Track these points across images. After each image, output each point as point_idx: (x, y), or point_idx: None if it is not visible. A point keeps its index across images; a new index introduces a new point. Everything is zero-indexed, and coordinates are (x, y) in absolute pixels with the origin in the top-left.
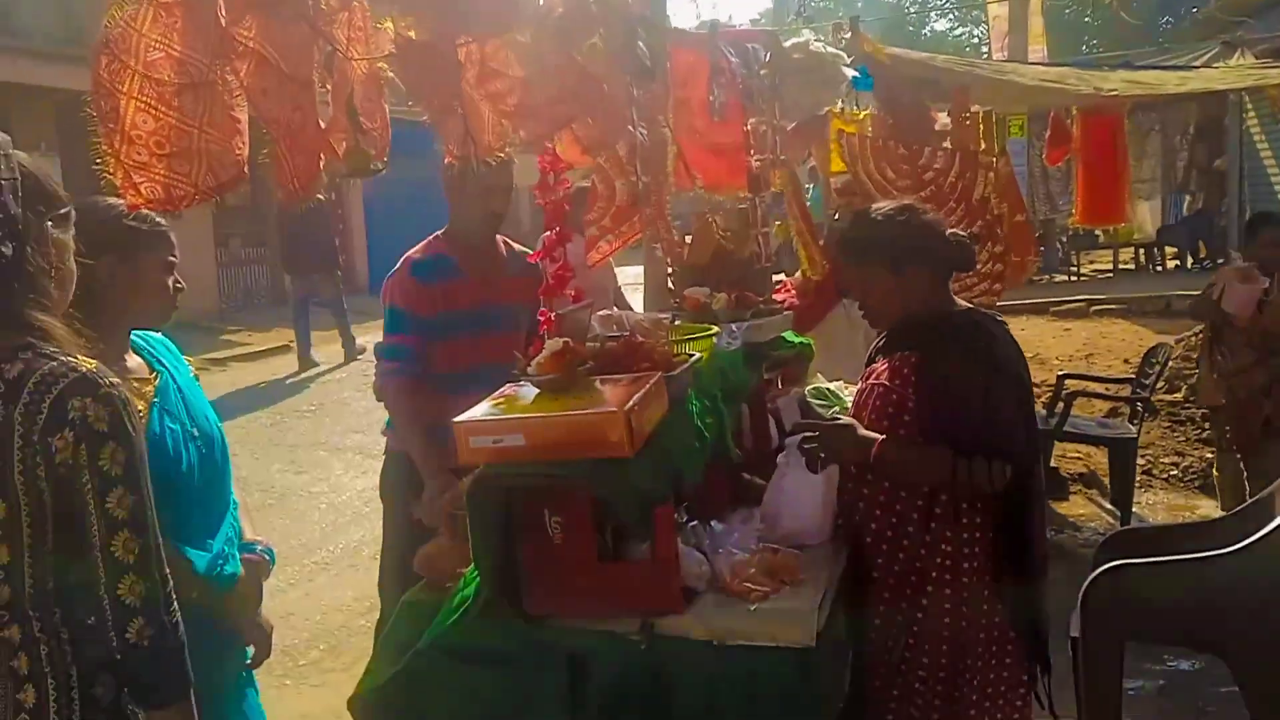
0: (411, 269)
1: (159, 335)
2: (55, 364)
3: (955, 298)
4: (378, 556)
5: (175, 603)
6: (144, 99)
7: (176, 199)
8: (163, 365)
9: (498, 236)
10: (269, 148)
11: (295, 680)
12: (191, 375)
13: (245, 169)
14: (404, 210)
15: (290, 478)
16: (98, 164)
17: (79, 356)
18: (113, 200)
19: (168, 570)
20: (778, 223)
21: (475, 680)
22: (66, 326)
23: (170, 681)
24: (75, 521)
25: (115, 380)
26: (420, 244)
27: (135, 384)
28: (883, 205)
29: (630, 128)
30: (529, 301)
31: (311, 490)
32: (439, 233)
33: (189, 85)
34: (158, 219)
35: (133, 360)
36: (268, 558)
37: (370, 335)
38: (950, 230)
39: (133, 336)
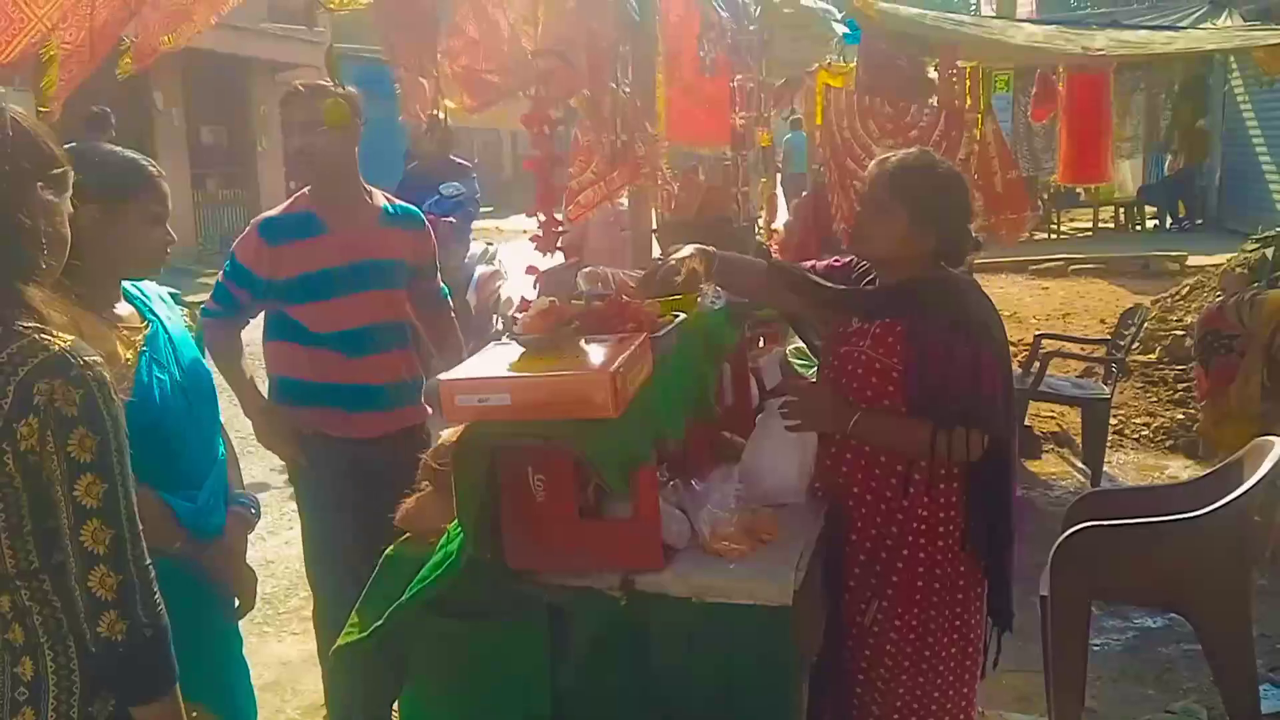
0: (260, 228)
1: (154, 283)
2: (26, 342)
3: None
4: None
5: (156, 594)
6: None
7: None
8: (155, 314)
9: (375, 190)
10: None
11: (276, 628)
12: (184, 325)
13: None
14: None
15: None
16: None
17: (55, 333)
18: (100, 147)
19: (148, 562)
20: (763, 180)
21: (457, 634)
22: (51, 292)
23: (147, 676)
24: (48, 508)
25: (92, 359)
26: (287, 200)
27: (125, 333)
28: (948, 161)
29: (612, 84)
30: (409, 256)
31: None
32: (307, 189)
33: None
34: (149, 168)
35: (124, 309)
36: (253, 511)
37: None
38: (974, 224)
39: (127, 285)
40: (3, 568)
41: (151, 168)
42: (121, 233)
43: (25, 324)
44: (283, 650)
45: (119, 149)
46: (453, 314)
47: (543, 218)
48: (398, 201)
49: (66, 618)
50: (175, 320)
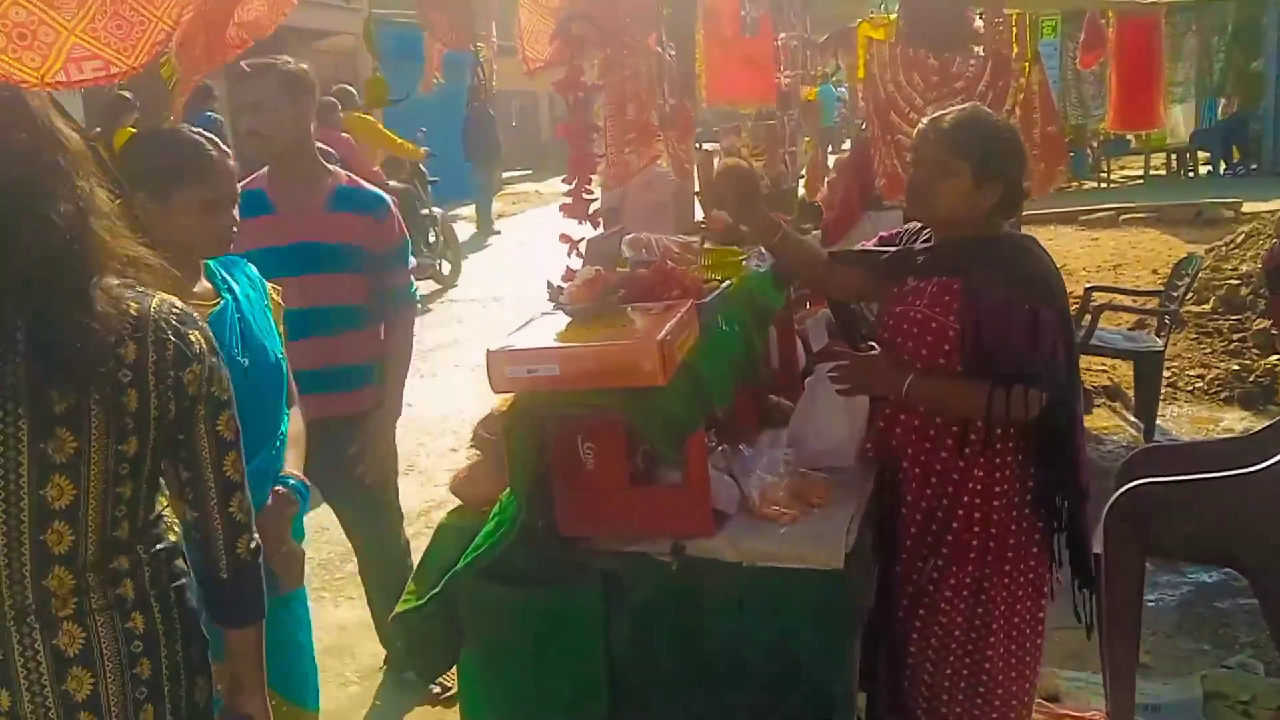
0: None
1: (242, 257)
2: (160, 299)
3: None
4: (408, 472)
5: None
6: None
7: (15, 82)
8: (230, 291)
9: (340, 172)
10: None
11: (333, 593)
12: (265, 303)
13: (113, 76)
14: (420, 119)
15: None
16: None
17: (161, 292)
18: (164, 133)
19: None
20: (806, 139)
21: (511, 600)
22: (155, 259)
23: (257, 596)
24: (189, 447)
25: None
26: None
27: (191, 306)
28: (997, 115)
29: (659, 48)
30: (364, 243)
31: None
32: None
33: None
34: (204, 155)
35: (201, 285)
36: (299, 493)
37: None
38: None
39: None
40: (128, 527)
41: (209, 154)
42: (173, 219)
43: (143, 286)
44: (340, 615)
45: (186, 133)
46: (411, 319)
47: (574, 185)
48: (366, 186)
49: (166, 571)
50: (254, 297)
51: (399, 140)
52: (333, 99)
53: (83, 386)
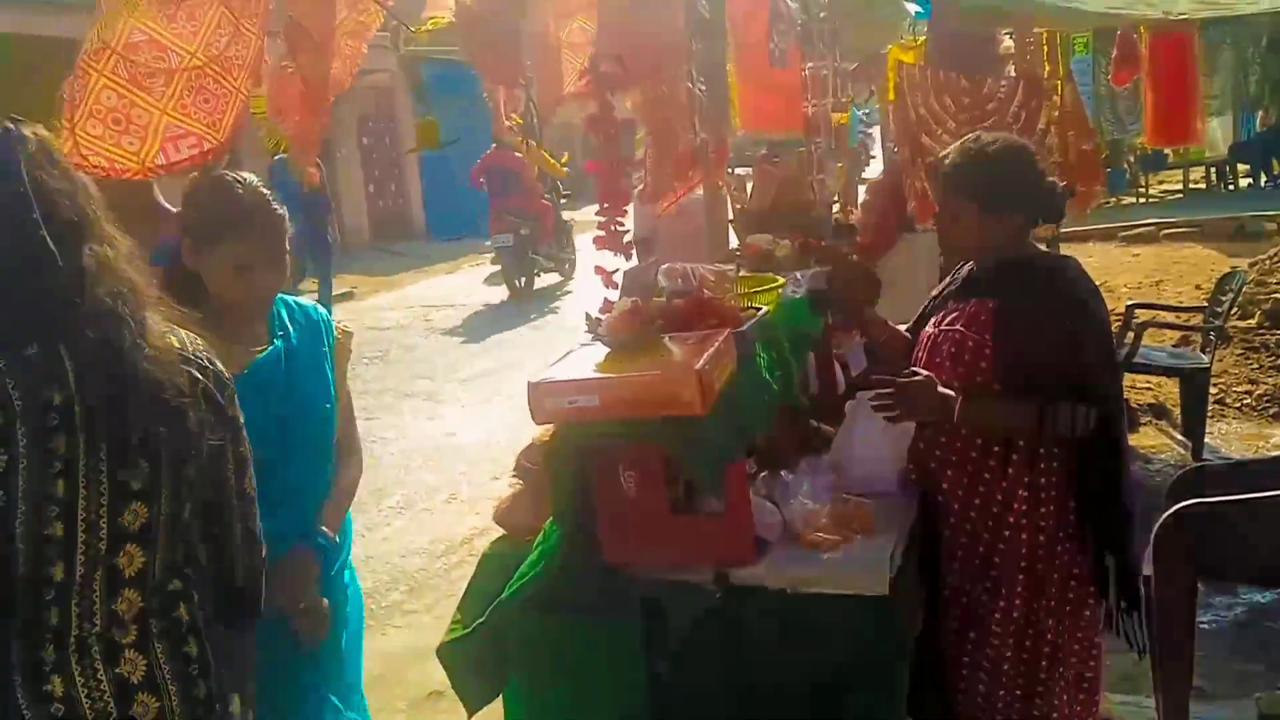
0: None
1: (310, 303)
2: (185, 332)
3: (1032, 241)
4: (451, 500)
5: None
6: (115, 78)
7: (118, 172)
8: (284, 336)
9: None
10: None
11: (379, 621)
12: (325, 348)
13: (211, 153)
14: (458, 160)
15: (360, 424)
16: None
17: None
18: (228, 185)
19: None
20: (839, 165)
21: (555, 629)
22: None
23: (259, 597)
24: (219, 474)
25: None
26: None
27: (236, 350)
28: (994, 138)
29: (689, 84)
30: None
31: (383, 436)
32: None
33: (164, 70)
34: (251, 215)
35: (252, 329)
36: (317, 553)
37: (427, 281)
38: (1052, 179)
39: (282, 300)
40: (180, 552)
41: (255, 212)
42: (209, 270)
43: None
44: (386, 644)
45: (245, 186)
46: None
47: (606, 218)
48: None
49: (204, 587)
50: (311, 344)
51: (550, 159)
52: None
53: (153, 415)
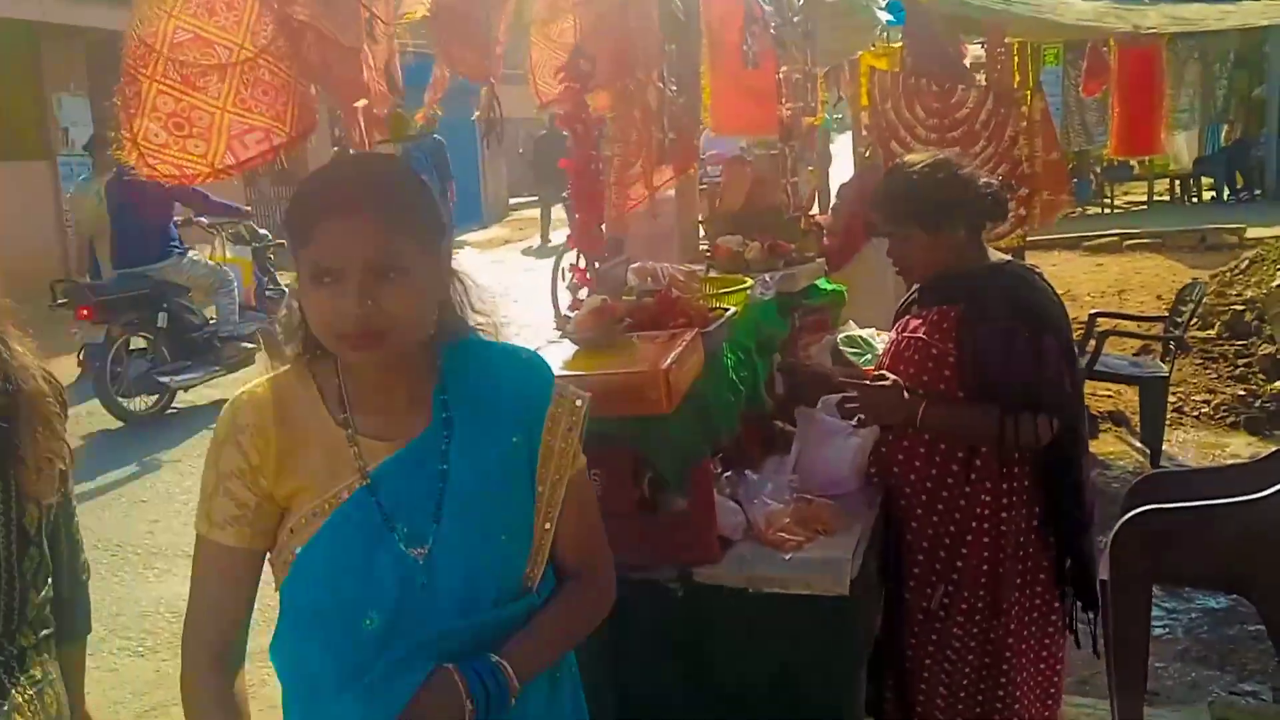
0: None
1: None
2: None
3: (990, 249)
4: None
5: None
6: (167, 81)
7: (189, 177)
8: (447, 421)
9: None
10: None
11: None
12: (514, 440)
13: (278, 146)
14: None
15: None
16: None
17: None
18: (344, 158)
19: None
20: (810, 168)
21: None
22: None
23: (88, 609)
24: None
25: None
26: None
27: (350, 438)
28: (917, 160)
29: (659, 83)
30: None
31: None
32: None
33: (215, 66)
34: (334, 209)
35: (397, 395)
36: (471, 683)
37: None
38: (984, 180)
39: (465, 356)
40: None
41: (344, 209)
42: (303, 284)
43: None
44: None
45: (368, 156)
46: None
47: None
48: None
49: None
50: (498, 429)
51: None
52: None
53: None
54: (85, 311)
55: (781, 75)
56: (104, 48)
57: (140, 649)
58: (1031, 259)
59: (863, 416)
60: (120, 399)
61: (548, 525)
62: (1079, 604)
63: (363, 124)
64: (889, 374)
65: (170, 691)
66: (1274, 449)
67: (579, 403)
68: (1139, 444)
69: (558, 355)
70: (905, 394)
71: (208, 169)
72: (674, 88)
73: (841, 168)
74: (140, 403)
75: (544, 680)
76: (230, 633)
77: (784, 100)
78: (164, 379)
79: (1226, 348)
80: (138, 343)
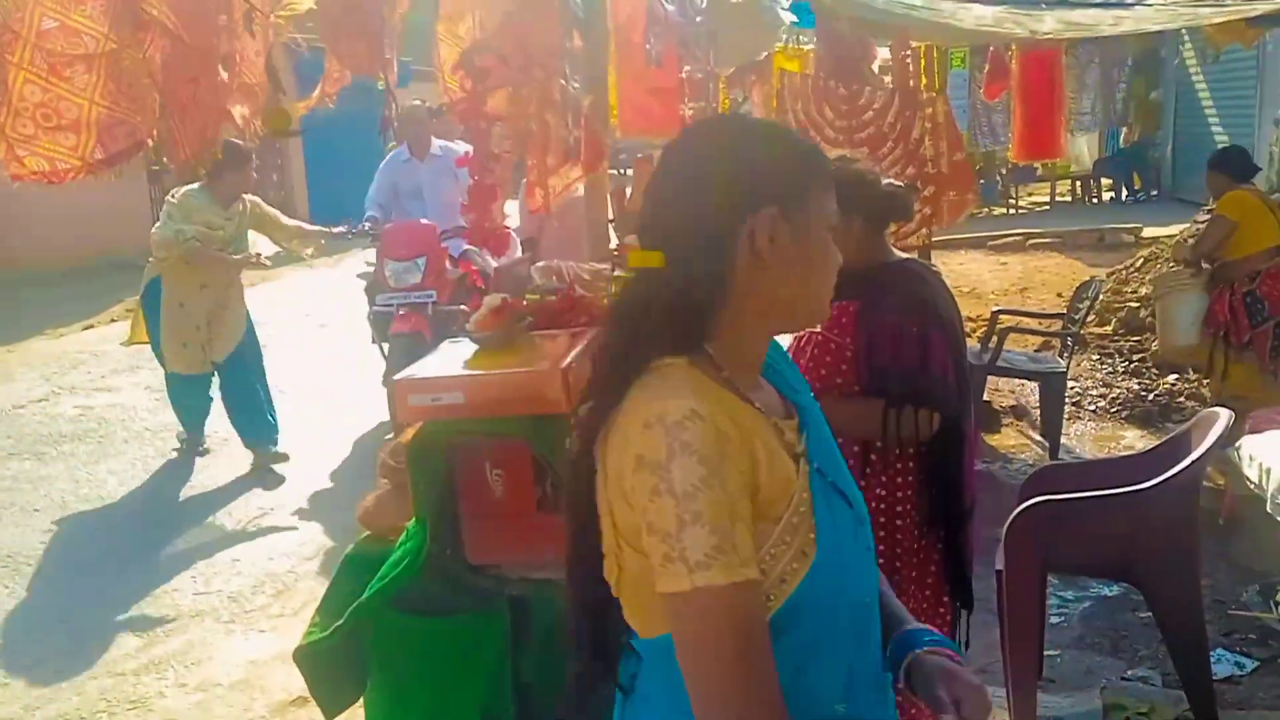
0: None
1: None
2: None
3: (892, 248)
4: (320, 502)
5: None
6: (34, 70)
7: (61, 173)
8: (796, 392)
9: None
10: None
11: (244, 625)
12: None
13: (145, 140)
14: (342, 147)
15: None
16: None
17: None
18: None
19: None
20: None
21: (419, 630)
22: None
23: None
24: None
25: None
26: None
27: (775, 425)
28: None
29: (561, 80)
30: None
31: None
32: None
33: (82, 56)
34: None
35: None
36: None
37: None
38: (886, 180)
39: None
40: None
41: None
42: (801, 251)
43: None
44: (249, 648)
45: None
46: None
47: (474, 214)
48: None
49: None
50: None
51: None
52: None
53: None
54: None
55: (685, 75)
56: None
57: None
58: (938, 258)
59: None
60: None
61: None
62: (955, 602)
63: (240, 116)
64: None
65: None
66: (1161, 440)
67: None
68: (1039, 437)
69: (457, 355)
70: None
71: (80, 163)
72: (576, 85)
73: None
74: None
75: None
76: None
77: (686, 100)
78: None
79: (1122, 343)
80: None
